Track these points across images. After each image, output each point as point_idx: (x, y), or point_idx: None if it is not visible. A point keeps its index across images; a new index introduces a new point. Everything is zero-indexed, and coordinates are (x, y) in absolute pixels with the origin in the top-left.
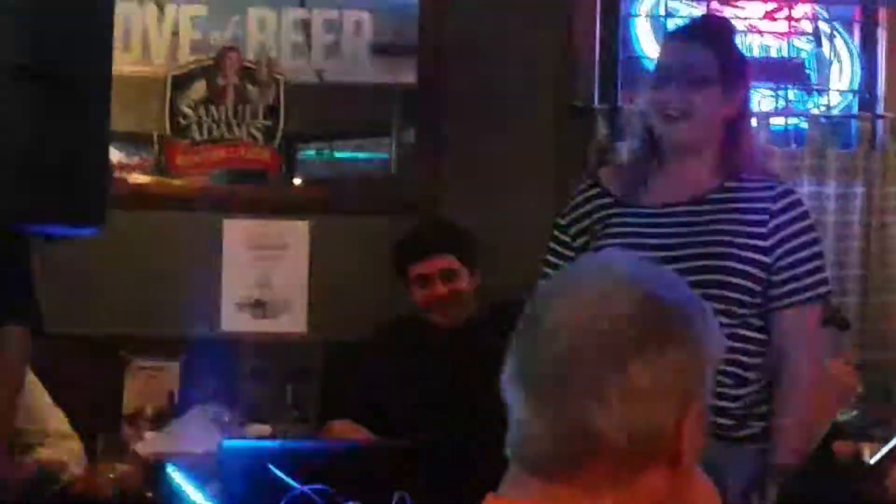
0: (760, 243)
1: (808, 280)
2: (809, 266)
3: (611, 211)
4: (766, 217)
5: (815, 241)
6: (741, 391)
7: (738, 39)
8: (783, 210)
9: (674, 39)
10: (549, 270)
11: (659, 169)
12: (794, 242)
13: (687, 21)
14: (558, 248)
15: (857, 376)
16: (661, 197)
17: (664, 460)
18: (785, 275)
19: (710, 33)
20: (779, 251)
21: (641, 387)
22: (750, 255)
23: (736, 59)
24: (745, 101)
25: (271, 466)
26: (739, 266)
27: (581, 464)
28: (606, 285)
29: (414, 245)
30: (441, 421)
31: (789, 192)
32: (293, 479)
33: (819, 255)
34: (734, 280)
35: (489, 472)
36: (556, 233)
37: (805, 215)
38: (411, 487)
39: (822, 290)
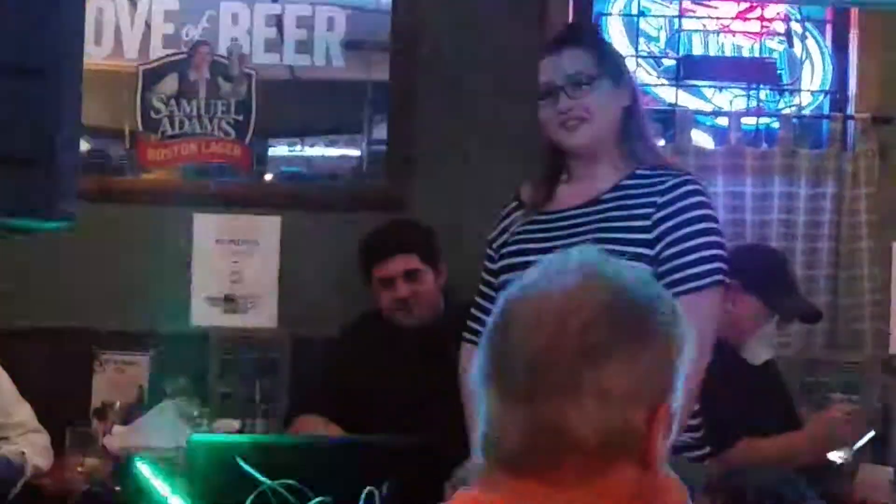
0: (644, 236)
1: (694, 269)
2: (696, 255)
3: (519, 221)
4: (652, 210)
5: (706, 231)
6: None
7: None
8: (670, 202)
9: (549, 53)
10: (482, 288)
11: (569, 176)
12: (679, 233)
13: (555, 34)
14: (487, 264)
15: (857, 422)
16: (562, 203)
17: (634, 458)
18: (669, 265)
19: (581, 37)
20: (663, 242)
21: (615, 386)
22: (633, 249)
23: (613, 54)
24: (634, 91)
25: (240, 461)
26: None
27: (551, 461)
28: (578, 284)
29: (374, 247)
30: (409, 418)
31: (683, 182)
32: (262, 473)
33: (710, 245)
34: None
35: (458, 469)
36: (486, 250)
37: (696, 205)
38: (380, 483)
39: (710, 278)
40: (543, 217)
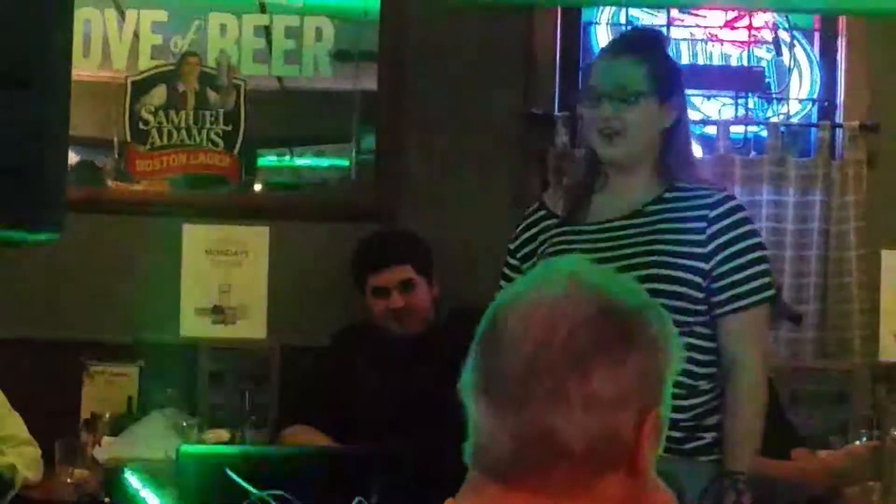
0: (698, 250)
1: (750, 285)
2: (750, 271)
3: (555, 231)
4: (704, 224)
5: (756, 246)
6: (692, 401)
7: (669, 49)
8: (720, 217)
9: (604, 57)
10: None
11: (603, 186)
12: (733, 248)
13: (617, 36)
14: (508, 273)
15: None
16: (603, 213)
17: (622, 467)
18: (725, 281)
19: (640, 46)
20: (717, 257)
21: (603, 394)
22: (688, 262)
23: (669, 69)
24: (682, 109)
25: (229, 472)
26: (679, 274)
27: (540, 469)
28: (565, 292)
29: (370, 256)
30: (400, 428)
31: (727, 198)
32: (251, 484)
33: (760, 260)
34: (675, 289)
35: (448, 479)
36: (507, 258)
37: (744, 221)
38: (370, 493)
39: (764, 293)
40: (586, 228)
